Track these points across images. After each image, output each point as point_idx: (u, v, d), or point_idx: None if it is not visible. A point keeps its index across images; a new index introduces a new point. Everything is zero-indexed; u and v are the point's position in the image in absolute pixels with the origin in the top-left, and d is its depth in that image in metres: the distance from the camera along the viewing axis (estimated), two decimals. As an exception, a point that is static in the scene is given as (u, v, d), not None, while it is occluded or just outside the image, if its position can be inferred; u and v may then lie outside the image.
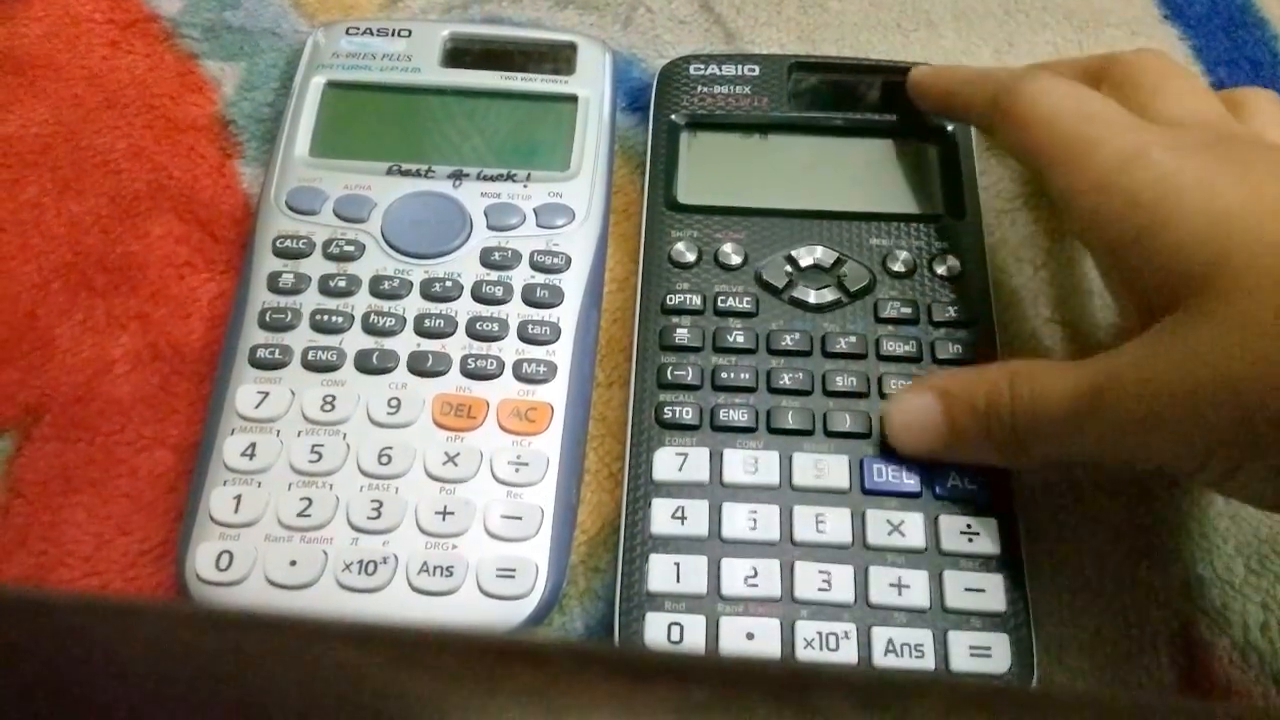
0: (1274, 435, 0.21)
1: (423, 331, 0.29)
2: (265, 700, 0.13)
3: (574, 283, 0.30)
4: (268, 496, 0.27)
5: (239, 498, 0.27)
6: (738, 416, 0.28)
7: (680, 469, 0.28)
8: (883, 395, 0.29)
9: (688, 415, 0.28)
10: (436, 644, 0.14)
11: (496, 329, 0.29)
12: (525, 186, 0.32)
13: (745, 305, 0.30)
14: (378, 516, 0.27)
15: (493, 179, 0.32)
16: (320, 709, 0.13)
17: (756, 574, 0.26)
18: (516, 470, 0.28)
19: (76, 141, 0.34)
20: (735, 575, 0.26)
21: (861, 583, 0.26)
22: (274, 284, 0.30)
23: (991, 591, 0.26)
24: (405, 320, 0.29)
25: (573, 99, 0.34)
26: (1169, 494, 0.29)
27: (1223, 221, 0.22)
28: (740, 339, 0.30)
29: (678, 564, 0.27)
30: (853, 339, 0.30)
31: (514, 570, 0.26)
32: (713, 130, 0.34)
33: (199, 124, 0.35)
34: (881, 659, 0.25)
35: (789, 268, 0.31)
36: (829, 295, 0.30)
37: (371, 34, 0.35)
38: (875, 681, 0.14)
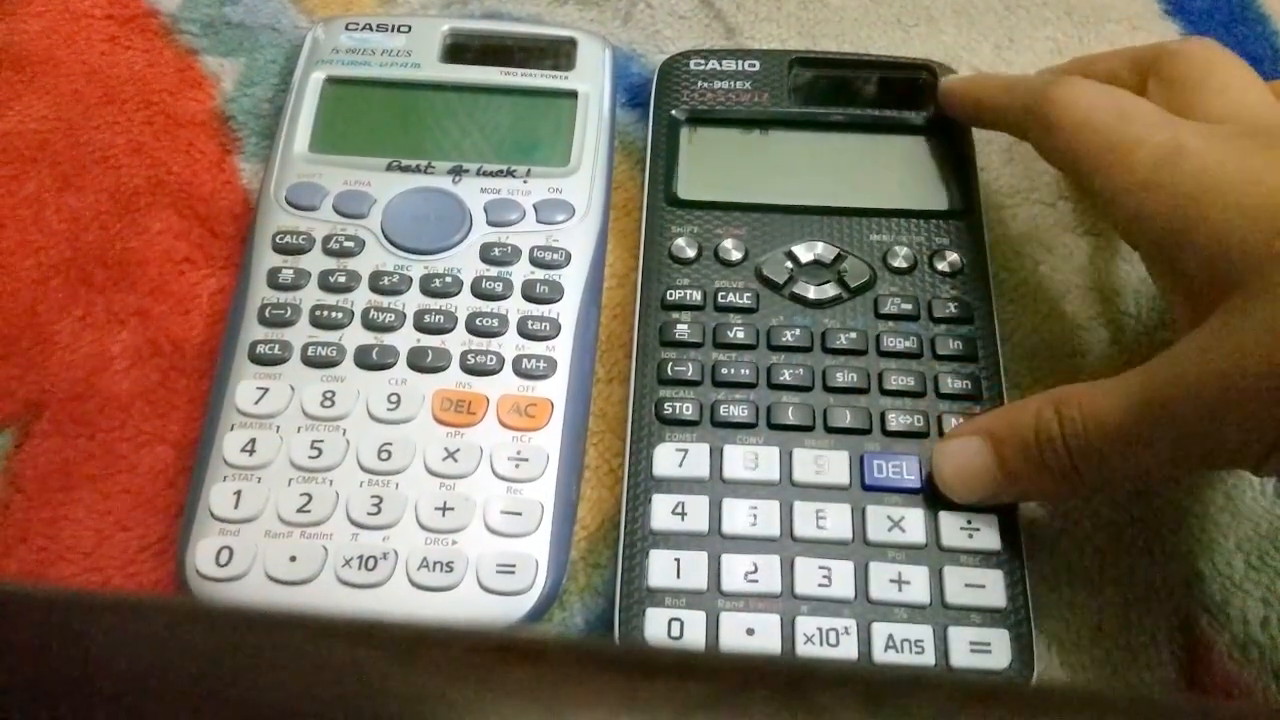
0: None
1: (422, 327, 0.29)
2: (265, 697, 0.13)
3: (574, 278, 0.30)
4: (268, 492, 0.27)
5: (239, 493, 0.27)
6: (738, 412, 0.28)
7: (680, 465, 0.28)
8: (883, 391, 0.29)
9: (688, 411, 0.28)
10: (436, 641, 0.14)
11: (496, 325, 0.29)
12: (525, 182, 0.32)
13: (745, 301, 0.30)
14: (378, 512, 0.27)
15: (492, 175, 0.32)
16: (320, 706, 0.13)
17: (757, 570, 0.26)
18: (516, 466, 0.28)
19: (76, 137, 0.34)
20: (735, 571, 0.26)
21: (862, 578, 0.26)
22: (274, 280, 0.30)
23: (991, 587, 0.26)
24: (405, 316, 0.29)
25: (572, 94, 0.34)
26: (1169, 490, 0.29)
27: (1267, 209, 0.22)
28: (740, 335, 0.30)
29: (678, 560, 0.27)
30: (853, 335, 0.29)
31: (514, 566, 0.26)
32: (713, 126, 0.34)
33: (198, 119, 0.35)
34: (881, 655, 0.25)
35: (789, 263, 0.31)
36: (829, 291, 0.30)
37: (371, 29, 0.35)
38: (875, 678, 0.14)
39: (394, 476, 0.27)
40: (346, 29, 0.35)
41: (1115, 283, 0.32)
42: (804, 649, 0.25)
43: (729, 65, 0.35)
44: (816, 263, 0.31)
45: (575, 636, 0.27)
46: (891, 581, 0.26)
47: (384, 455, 0.28)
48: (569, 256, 0.31)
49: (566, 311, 0.30)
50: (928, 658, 0.25)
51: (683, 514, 0.27)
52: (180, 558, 0.27)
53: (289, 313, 0.29)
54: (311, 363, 0.29)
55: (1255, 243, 0.22)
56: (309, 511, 0.27)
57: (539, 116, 0.33)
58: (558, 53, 0.35)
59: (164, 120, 0.35)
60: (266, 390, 0.28)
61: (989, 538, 0.27)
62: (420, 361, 0.29)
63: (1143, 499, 0.29)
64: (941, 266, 0.31)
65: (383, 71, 0.34)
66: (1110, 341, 0.31)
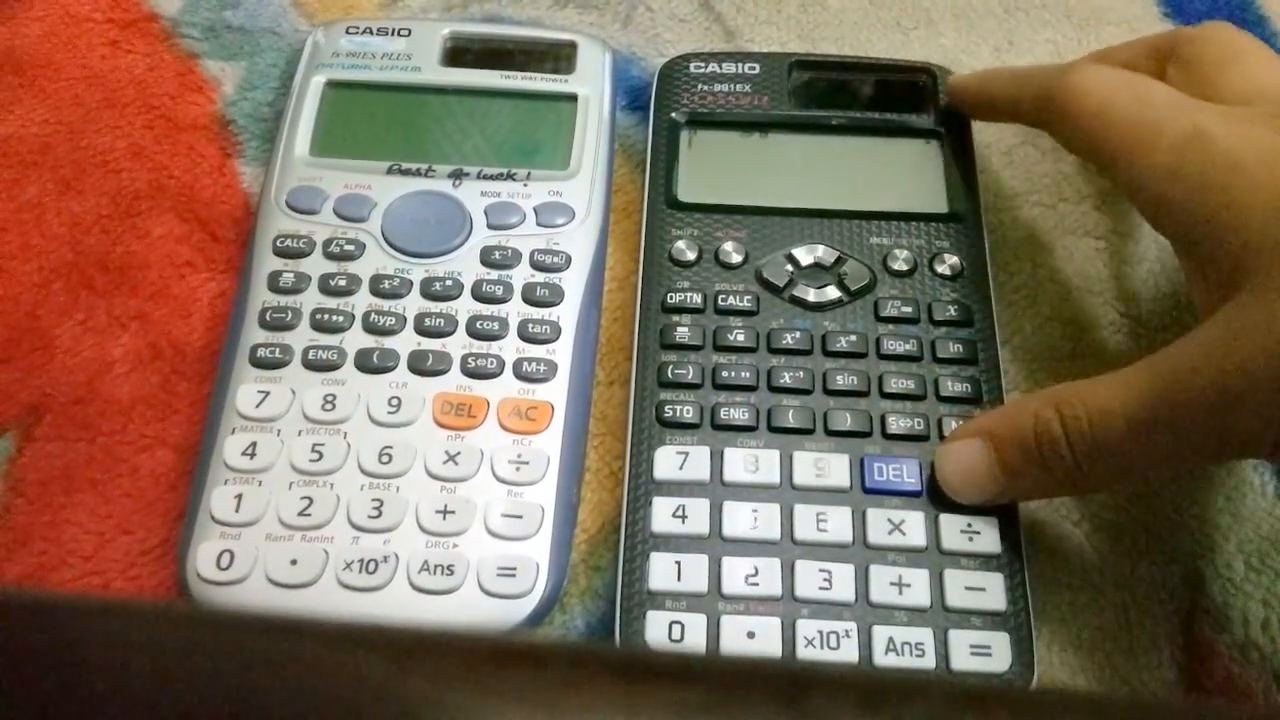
0: None
1: (423, 330, 0.29)
2: (265, 701, 0.13)
3: (574, 281, 0.30)
4: (268, 496, 0.27)
5: (240, 497, 0.27)
6: (738, 415, 0.28)
7: (681, 468, 0.28)
8: (883, 394, 0.29)
9: (688, 414, 0.28)
10: (437, 645, 0.14)
11: (497, 328, 0.29)
12: (525, 185, 0.32)
13: (746, 304, 0.30)
14: (378, 515, 0.27)
15: (493, 178, 0.32)
16: (321, 710, 0.13)
17: (757, 573, 0.26)
18: (517, 469, 0.28)
19: (77, 141, 0.34)
20: (736, 574, 0.26)
21: (862, 581, 0.26)
22: (274, 283, 0.30)
23: (992, 590, 0.26)
24: (405, 319, 0.29)
25: (573, 98, 0.34)
26: (1169, 491, 0.29)
27: None
28: (741, 338, 0.30)
29: (678, 563, 0.27)
30: (853, 338, 0.29)
31: (515, 569, 0.26)
32: (713, 128, 0.34)
33: (199, 123, 0.35)
34: (882, 658, 0.25)
35: (789, 266, 0.31)
36: (830, 294, 0.30)
37: (371, 33, 0.35)
38: (874, 682, 0.14)
39: (395, 480, 0.27)
40: (347, 33, 0.35)
41: (1115, 285, 0.32)
42: (804, 652, 0.25)
43: (729, 68, 0.35)
44: (817, 265, 0.31)
45: (575, 640, 0.27)
46: (892, 584, 0.26)
47: (385, 458, 0.28)
48: (569, 259, 0.31)
49: (567, 314, 0.30)
50: (928, 661, 0.25)
51: (683, 517, 0.27)
52: (181, 561, 0.27)
53: (290, 316, 0.29)
54: (312, 366, 0.29)
55: (1274, 229, 0.22)
56: (310, 515, 0.27)
57: (539, 120, 0.34)
58: (558, 56, 0.35)
59: (165, 124, 0.35)
60: (267, 394, 0.28)
61: (989, 541, 0.27)
62: (421, 365, 0.29)
63: (1143, 501, 0.29)
64: (941, 269, 0.31)
65: (383, 75, 0.34)
66: (1110, 344, 0.31)
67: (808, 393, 0.29)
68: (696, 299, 0.30)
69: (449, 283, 0.30)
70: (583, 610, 0.28)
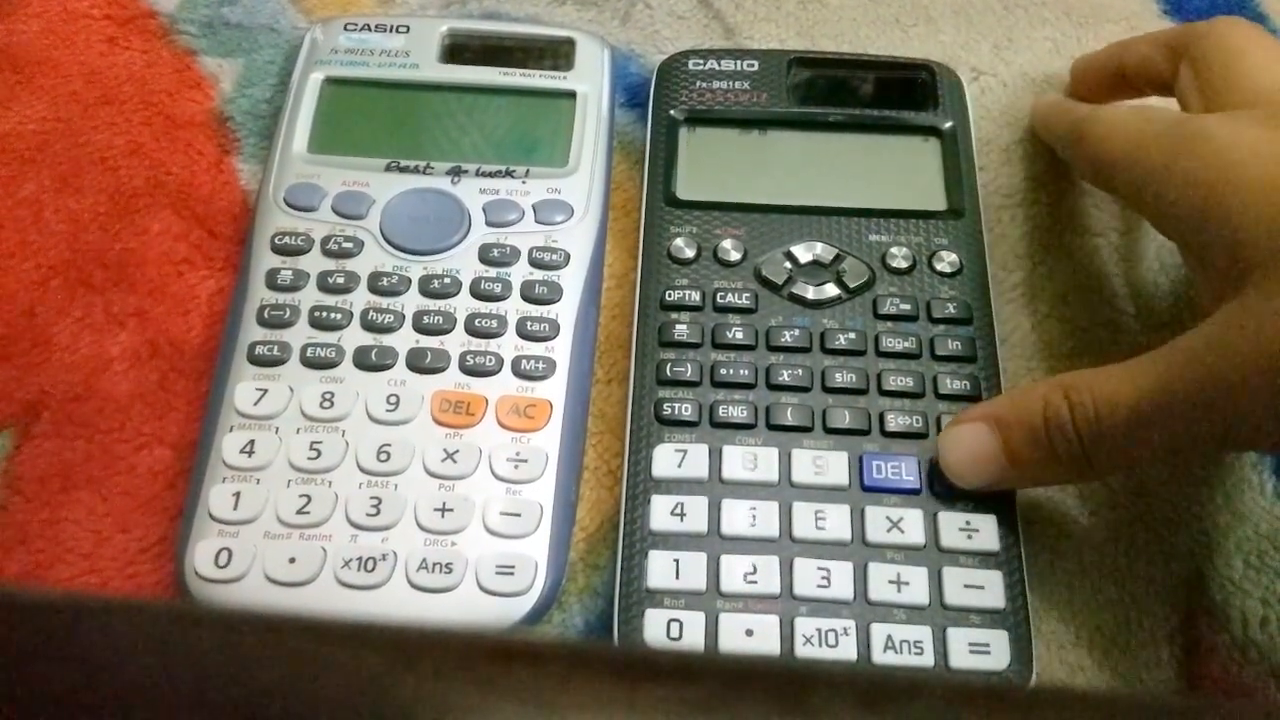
0: None
1: (421, 328, 0.29)
2: (263, 700, 0.13)
3: (573, 279, 0.30)
4: (267, 494, 0.27)
5: (238, 495, 0.27)
6: (737, 413, 0.28)
7: (679, 465, 0.28)
8: (882, 392, 0.29)
9: (687, 412, 0.28)
10: (435, 643, 0.14)
11: (495, 325, 0.29)
12: (524, 183, 0.32)
13: (744, 301, 0.30)
14: (377, 513, 0.27)
15: (491, 175, 0.32)
16: (319, 709, 0.13)
17: (756, 571, 0.26)
18: (515, 467, 0.28)
19: (74, 138, 0.34)
20: (734, 572, 0.26)
21: (861, 579, 0.26)
22: (272, 281, 0.30)
23: (991, 588, 0.26)
24: (404, 317, 0.29)
25: (571, 95, 0.34)
26: (1168, 490, 0.29)
27: None
28: (739, 335, 0.30)
29: (677, 561, 0.27)
30: (852, 335, 0.29)
31: (513, 567, 0.26)
32: (712, 126, 0.34)
33: (197, 120, 0.35)
34: (880, 656, 0.25)
35: (788, 264, 0.31)
36: (828, 291, 0.30)
37: (369, 30, 0.35)
38: (873, 681, 0.14)
39: (393, 478, 0.27)
40: (345, 29, 0.35)
41: (1115, 283, 0.32)
42: (803, 650, 0.25)
43: (728, 65, 0.35)
44: (815, 263, 0.31)
45: (574, 638, 0.27)
46: (890, 582, 0.26)
47: (383, 456, 0.28)
48: (568, 257, 0.31)
49: (565, 312, 0.30)
50: (927, 659, 0.25)
51: (682, 515, 0.27)
52: (179, 559, 0.27)
53: (288, 314, 0.29)
54: (310, 364, 0.29)
55: (1273, 225, 0.22)
56: (308, 513, 0.27)
57: (538, 117, 0.33)
58: (556, 53, 0.35)
59: (162, 121, 0.35)
60: (265, 391, 0.28)
61: (988, 539, 0.27)
62: (419, 362, 0.29)
63: (1142, 499, 0.29)
64: (940, 267, 0.31)
65: (381, 72, 0.34)
66: (1110, 342, 0.31)
67: (806, 390, 0.29)
68: (695, 296, 0.30)
69: (447, 280, 0.30)
70: (581, 608, 0.28)
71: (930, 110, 0.34)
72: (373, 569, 0.26)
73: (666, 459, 0.28)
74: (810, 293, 0.30)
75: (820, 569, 0.26)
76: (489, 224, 0.31)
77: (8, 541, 0.28)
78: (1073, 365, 0.31)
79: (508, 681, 0.13)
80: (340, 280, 0.30)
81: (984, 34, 0.38)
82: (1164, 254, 0.33)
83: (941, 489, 0.27)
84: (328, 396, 0.28)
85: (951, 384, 0.29)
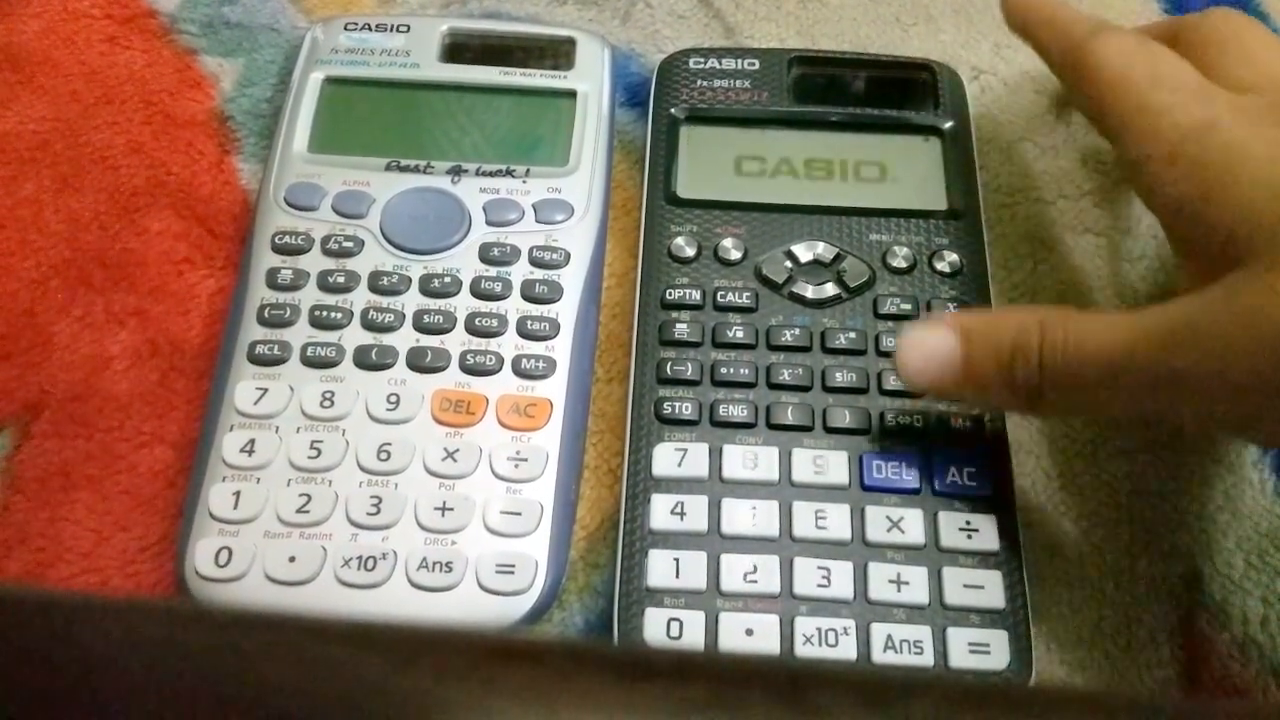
0: None
1: (422, 327, 0.29)
2: (264, 699, 0.13)
3: (573, 278, 0.30)
4: (267, 493, 0.27)
5: (238, 494, 0.27)
6: (737, 412, 0.28)
7: (680, 464, 0.28)
8: (882, 391, 0.29)
9: (687, 410, 0.28)
10: (435, 641, 0.14)
11: (495, 325, 0.29)
12: (524, 182, 0.32)
13: (745, 300, 0.30)
14: (377, 512, 0.27)
15: (492, 174, 0.32)
16: (319, 707, 0.13)
17: (756, 570, 0.26)
18: (516, 466, 0.28)
19: (75, 138, 0.34)
20: (734, 571, 0.26)
21: (861, 579, 0.26)
22: (273, 280, 0.30)
23: (990, 588, 0.26)
24: (404, 316, 0.29)
25: (572, 94, 0.34)
26: (1168, 489, 0.29)
27: None
28: (740, 334, 0.30)
29: (677, 560, 0.27)
30: (852, 334, 0.29)
31: (513, 566, 0.26)
32: (712, 124, 0.34)
33: (197, 120, 0.35)
34: (880, 655, 0.25)
35: (789, 263, 0.31)
36: (829, 291, 0.30)
37: (370, 29, 0.35)
38: (874, 680, 0.14)
39: (393, 477, 0.27)
40: (345, 29, 0.35)
41: (1115, 282, 0.32)
42: (803, 649, 0.25)
43: (728, 64, 0.35)
44: (816, 262, 0.31)
45: (574, 637, 0.27)
46: (890, 582, 0.26)
47: (383, 455, 0.28)
48: (568, 256, 0.31)
49: (566, 311, 0.30)
50: (926, 658, 0.25)
51: (682, 514, 0.27)
52: (179, 558, 0.27)
53: (288, 313, 0.29)
54: (311, 363, 0.29)
55: (1272, 219, 0.22)
56: (308, 512, 0.27)
57: (538, 116, 0.33)
58: (557, 52, 0.35)
59: (163, 120, 0.35)
60: (265, 391, 0.28)
61: (988, 538, 0.27)
62: (419, 361, 0.29)
63: (1142, 498, 0.29)
64: (941, 266, 0.31)
65: (381, 71, 0.34)
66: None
67: (806, 390, 0.29)
68: (695, 295, 0.30)
69: (447, 280, 0.30)
70: (581, 607, 0.28)
71: (930, 109, 0.34)
72: (373, 568, 0.26)
73: (667, 458, 0.28)
74: (810, 292, 0.30)
75: (820, 568, 0.26)
76: (489, 223, 0.31)
77: (8, 540, 0.28)
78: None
79: (508, 680, 0.13)
80: (340, 279, 0.30)
81: (984, 33, 0.38)
82: (1163, 253, 0.33)
83: (941, 488, 0.27)
84: (328, 396, 0.28)
85: (952, 383, 0.29)
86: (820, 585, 0.26)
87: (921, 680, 0.16)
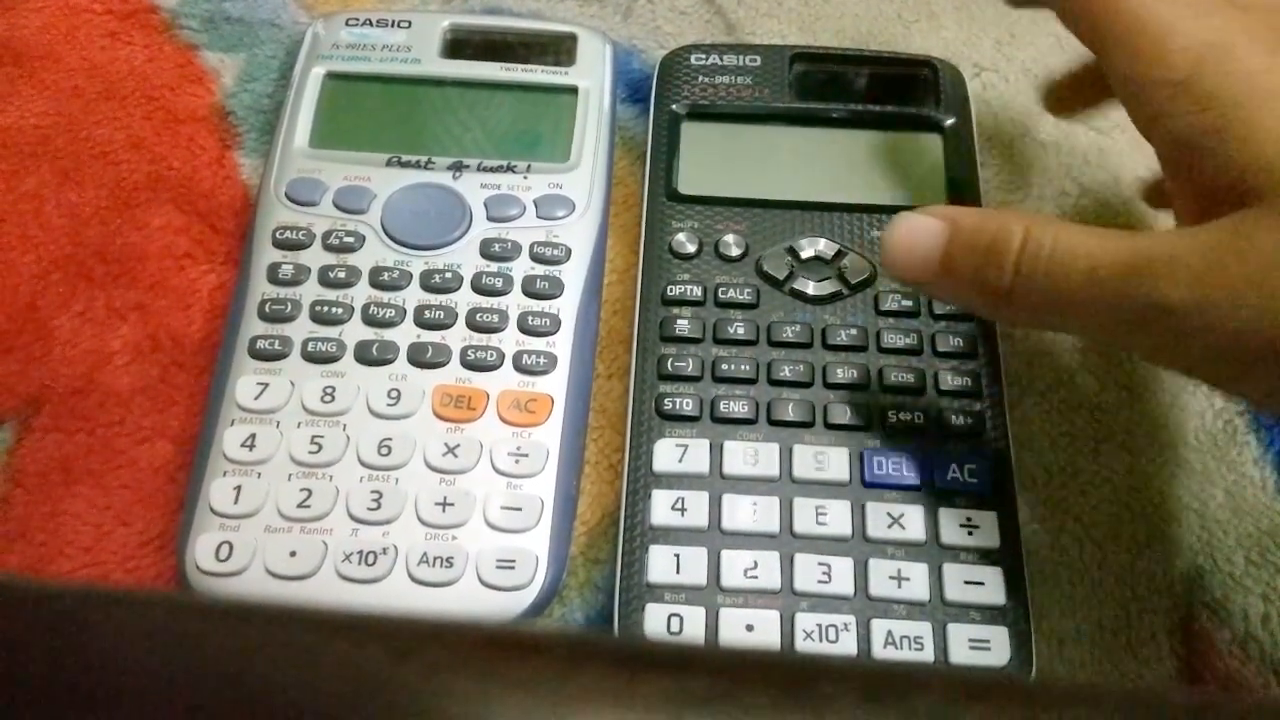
0: None
1: (423, 323, 0.29)
2: (264, 691, 0.13)
3: (574, 274, 0.30)
4: (267, 487, 0.27)
5: (239, 489, 0.27)
6: (738, 408, 0.28)
7: (680, 460, 0.28)
8: (883, 388, 0.29)
9: (688, 406, 0.28)
10: (436, 634, 0.14)
11: (496, 320, 0.29)
12: (525, 178, 0.32)
13: (746, 297, 0.30)
14: (377, 507, 0.27)
15: (493, 170, 0.32)
16: (320, 699, 0.13)
17: (756, 566, 0.26)
18: (516, 461, 0.28)
19: (76, 133, 0.34)
20: (735, 567, 0.26)
21: (861, 575, 0.26)
22: (274, 275, 0.30)
23: (991, 584, 0.26)
24: (405, 311, 0.29)
25: (573, 90, 0.34)
26: (1169, 485, 0.29)
27: None
28: (741, 330, 0.30)
29: (677, 555, 0.27)
30: (853, 331, 0.29)
31: (514, 561, 0.26)
32: (713, 121, 0.34)
33: (198, 115, 0.35)
34: (881, 651, 0.25)
35: (790, 259, 0.31)
36: (830, 287, 0.30)
37: (371, 25, 0.35)
38: (876, 673, 0.14)
39: (394, 472, 0.27)
40: (347, 24, 0.35)
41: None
42: (803, 645, 0.25)
43: (730, 60, 0.35)
44: (817, 259, 0.31)
45: (574, 630, 0.27)
46: (891, 578, 0.26)
47: (384, 450, 0.28)
48: (569, 252, 0.31)
49: (566, 307, 0.30)
50: (927, 654, 0.25)
51: (682, 509, 0.27)
52: (180, 553, 0.27)
53: (289, 308, 0.29)
54: (311, 358, 0.29)
55: None
56: (309, 507, 0.27)
57: (539, 112, 0.33)
58: (558, 48, 0.35)
59: (164, 116, 0.35)
60: (266, 385, 0.28)
61: (988, 535, 0.27)
62: (420, 357, 0.29)
63: (1143, 494, 0.29)
64: (942, 263, 0.31)
65: (383, 67, 0.34)
66: (1111, 338, 0.31)
67: (807, 386, 0.29)
68: (696, 292, 0.30)
69: (449, 275, 0.30)
70: (581, 603, 0.28)
71: (932, 106, 0.34)
72: (373, 563, 0.26)
73: (667, 454, 0.28)
74: (811, 288, 0.30)
75: (821, 564, 0.26)
76: (490, 219, 0.31)
77: (8, 535, 0.28)
78: (1074, 360, 0.31)
79: (508, 672, 0.13)
80: (341, 275, 0.30)
81: (986, 30, 0.38)
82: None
83: (942, 485, 0.27)
84: (329, 391, 0.28)
85: (952, 380, 0.29)
86: (821, 581, 0.26)
87: (924, 673, 0.16)
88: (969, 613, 0.26)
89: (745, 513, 0.27)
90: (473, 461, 0.28)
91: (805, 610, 0.26)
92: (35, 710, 0.13)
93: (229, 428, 0.28)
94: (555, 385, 0.29)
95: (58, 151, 0.34)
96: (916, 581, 0.26)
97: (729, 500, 0.27)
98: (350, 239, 0.30)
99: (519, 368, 0.29)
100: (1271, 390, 0.22)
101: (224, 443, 0.28)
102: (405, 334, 0.29)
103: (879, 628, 0.26)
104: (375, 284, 0.30)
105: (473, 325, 0.29)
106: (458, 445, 0.28)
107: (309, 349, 0.29)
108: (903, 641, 0.26)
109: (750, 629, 0.26)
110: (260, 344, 0.29)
